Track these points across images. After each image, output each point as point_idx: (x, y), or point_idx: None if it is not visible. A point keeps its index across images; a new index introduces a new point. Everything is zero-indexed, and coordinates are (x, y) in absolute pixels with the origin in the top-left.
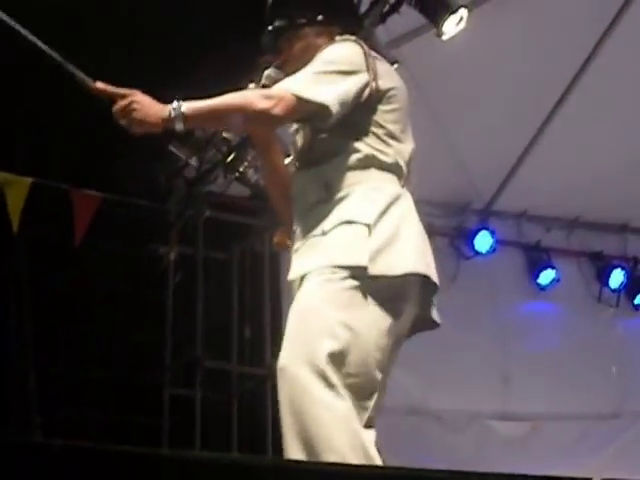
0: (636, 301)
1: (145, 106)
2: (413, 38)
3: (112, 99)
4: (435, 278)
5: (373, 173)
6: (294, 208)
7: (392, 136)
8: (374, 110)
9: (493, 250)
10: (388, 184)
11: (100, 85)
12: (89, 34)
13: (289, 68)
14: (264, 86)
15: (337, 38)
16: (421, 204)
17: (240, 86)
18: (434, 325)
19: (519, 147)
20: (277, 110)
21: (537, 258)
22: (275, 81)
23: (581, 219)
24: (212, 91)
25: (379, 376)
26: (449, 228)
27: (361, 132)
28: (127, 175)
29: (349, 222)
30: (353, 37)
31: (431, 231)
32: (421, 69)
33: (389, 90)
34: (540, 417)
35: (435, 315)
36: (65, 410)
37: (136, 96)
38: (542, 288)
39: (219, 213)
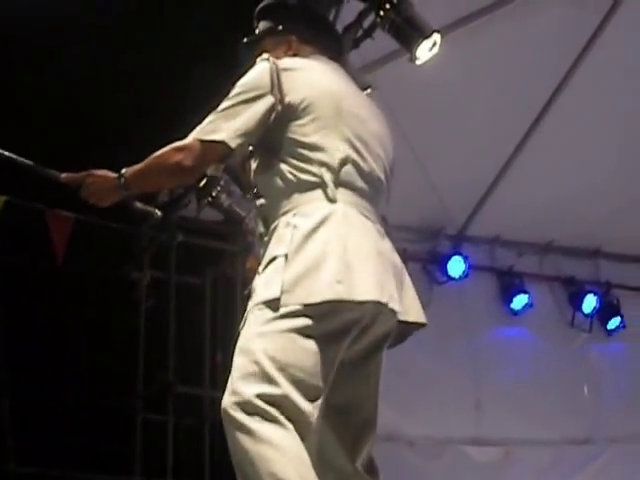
0: (609, 326)
1: (99, 182)
2: (386, 63)
3: (78, 184)
4: (383, 299)
5: (296, 198)
6: None
7: (313, 148)
8: (287, 127)
9: (466, 275)
10: (314, 205)
11: (65, 176)
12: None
13: None
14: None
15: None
16: (394, 229)
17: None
18: (420, 326)
19: (492, 173)
20: (187, 161)
21: (510, 283)
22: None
23: (554, 244)
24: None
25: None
26: (422, 253)
27: (281, 154)
28: None
29: (273, 258)
30: (266, 55)
31: (404, 256)
32: (394, 94)
33: (302, 101)
34: (513, 442)
35: (416, 317)
36: (38, 435)
37: (90, 177)
38: (515, 313)
39: (192, 238)
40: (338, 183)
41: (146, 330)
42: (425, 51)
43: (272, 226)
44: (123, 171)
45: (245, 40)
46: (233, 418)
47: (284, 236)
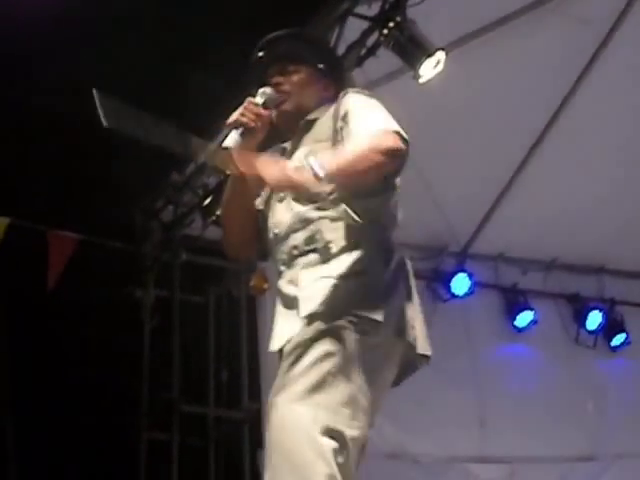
0: (613, 343)
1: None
2: (390, 81)
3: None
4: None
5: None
6: None
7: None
8: None
9: (470, 292)
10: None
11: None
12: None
13: (283, 93)
14: (264, 105)
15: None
16: (398, 247)
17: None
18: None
19: (496, 190)
20: (399, 143)
21: (514, 300)
22: (275, 102)
23: (558, 261)
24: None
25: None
26: (426, 271)
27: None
28: (103, 218)
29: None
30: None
31: None
32: (398, 112)
33: None
34: (518, 460)
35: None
36: (42, 454)
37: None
38: (519, 330)
39: (195, 256)
40: None
41: (150, 349)
42: (429, 69)
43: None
44: (318, 162)
45: (296, 44)
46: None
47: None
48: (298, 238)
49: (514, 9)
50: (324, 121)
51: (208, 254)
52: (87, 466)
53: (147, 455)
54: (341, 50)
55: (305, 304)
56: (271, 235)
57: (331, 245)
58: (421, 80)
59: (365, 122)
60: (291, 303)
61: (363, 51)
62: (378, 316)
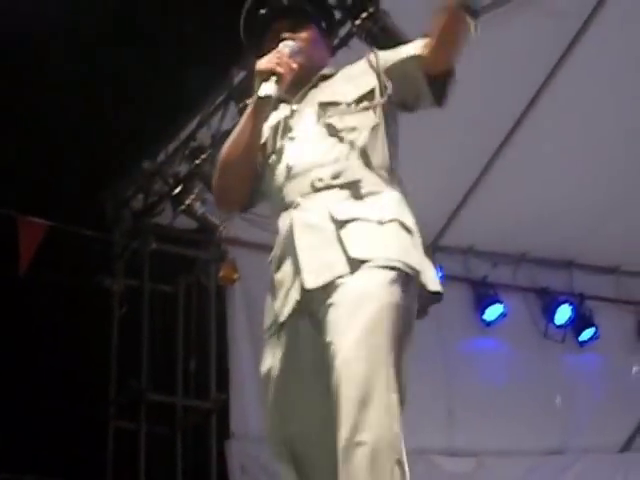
0: (582, 337)
1: None
2: None
3: None
4: None
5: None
6: None
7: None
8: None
9: None
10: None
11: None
12: None
13: (303, 51)
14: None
15: None
16: None
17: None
18: None
19: (466, 183)
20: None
21: (484, 293)
22: (297, 55)
23: (528, 255)
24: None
25: None
26: None
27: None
28: (73, 205)
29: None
30: None
31: None
32: None
33: None
34: (486, 453)
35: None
36: (10, 441)
37: None
38: (488, 323)
39: (165, 245)
40: None
41: (119, 337)
42: None
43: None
44: None
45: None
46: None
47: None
48: (324, 172)
49: (488, 1)
50: (352, 68)
51: (178, 243)
52: (54, 454)
53: (114, 444)
54: None
55: (354, 246)
56: (282, 171)
57: (361, 184)
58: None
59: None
60: (323, 234)
61: (336, 41)
62: (417, 264)
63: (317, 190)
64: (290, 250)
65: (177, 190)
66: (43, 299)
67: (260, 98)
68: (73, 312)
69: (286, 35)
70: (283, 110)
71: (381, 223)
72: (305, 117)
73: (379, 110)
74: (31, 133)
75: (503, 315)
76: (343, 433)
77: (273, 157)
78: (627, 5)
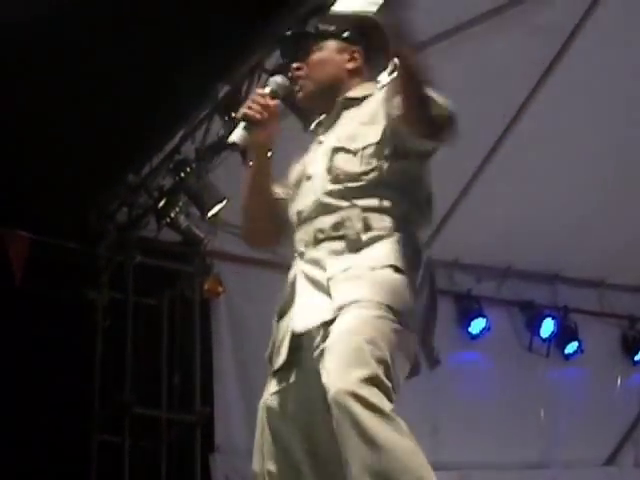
0: (567, 350)
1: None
2: None
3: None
4: None
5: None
6: None
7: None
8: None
9: None
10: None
11: None
12: None
13: (302, 78)
14: (273, 94)
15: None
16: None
17: None
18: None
19: (450, 197)
20: (440, 128)
21: (468, 307)
22: (287, 90)
23: (512, 269)
24: None
25: None
26: None
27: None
28: (58, 219)
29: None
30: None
31: None
32: None
33: None
34: (469, 467)
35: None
36: None
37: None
38: (473, 337)
39: (150, 259)
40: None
41: (103, 350)
42: (385, 75)
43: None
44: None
45: (294, 33)
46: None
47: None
48: (326, 222)
49: (472, 16)
50: (370, 104)
51: (162, 256)
52: (38, 467)
53: (98, 457)
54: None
55: (338, 293)
56: (294, 216)
57: (360, 235)
58: (378, 85)
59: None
60: (317, 285)
61: None
62: (407, 311)
63: (319, 241)
64: (291, 301)
65: (161, 203)
66: (27, 313)
67: (229, 144)
68: (57, 325)
69: (295, 65)
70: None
71: (373, 269)
72: (319, 156)
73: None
74: (14, 147)
75: (487, 329)
76: None
77: (295, 192)
78: (609, 22)
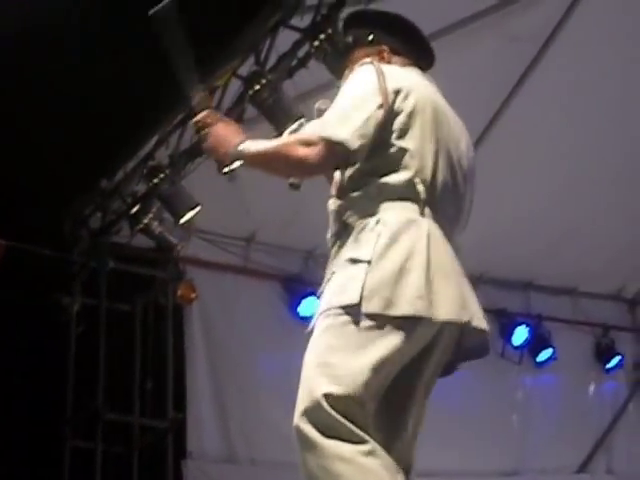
0: (539, 358)
1: (221, 137)
2: (320, 93)
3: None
4: (464, 318)
5: (385, 204)
6: None
7: (412, 155)
8: (389, 130)
9: None
10: (401, 214)
11: (200, 116)
12: None
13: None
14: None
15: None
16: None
17: None
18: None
19: None
20: (312, 159)
21: None
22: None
23: (485, 276)
24: None
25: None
26: None
27: (376, 158)
28: (31, 224)
29: (352, 261)
30: (368, 60)
31: None
32: None
33: (409, 106)
34: (441, 475)
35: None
36: None
37: (219, 128)
38: None
39: (123, 264)
40: (427, 197)
41: (76, 356)
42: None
43: (356, 228)
44: (243, 144)
45: (331, 51)
46: (309, 433)
47: (368, 241)
48: (330, 231)
49: (448, 24)
50: None
51: (136, 262)
52: (11, 473)
53: (71, 463)
54: (272, 61)
55: (322, 301)
56: None
57: (346, 231)
58: None
59: (324, 117)
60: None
61: (294, 62)
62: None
63: (330, 249)
64: None
65: (135, 209)
66: (0, 317)
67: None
68: (30, 330)
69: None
70: None
71: (354, 262)
72: None
73: None
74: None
75: None
76: None
77: None
78: (583, 30)
